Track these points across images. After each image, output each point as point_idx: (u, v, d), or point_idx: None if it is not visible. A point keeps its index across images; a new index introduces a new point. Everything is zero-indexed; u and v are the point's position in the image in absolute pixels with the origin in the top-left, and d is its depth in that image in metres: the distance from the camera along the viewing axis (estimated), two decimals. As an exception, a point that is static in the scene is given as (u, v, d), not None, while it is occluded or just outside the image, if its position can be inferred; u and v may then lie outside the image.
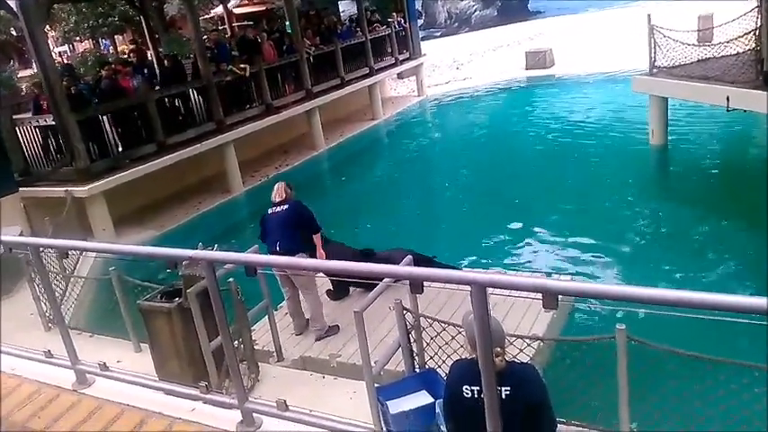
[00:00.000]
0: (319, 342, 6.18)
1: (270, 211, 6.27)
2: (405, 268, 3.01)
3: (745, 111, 10.24)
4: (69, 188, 10.43)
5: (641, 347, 3.64)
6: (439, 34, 38.79)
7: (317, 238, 6.30)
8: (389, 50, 19.95)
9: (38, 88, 11.45)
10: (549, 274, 7.62)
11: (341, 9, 24.99)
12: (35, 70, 14.61)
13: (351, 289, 7.03)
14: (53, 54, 13.73)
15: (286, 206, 6.20)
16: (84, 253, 8.37)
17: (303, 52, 15.75)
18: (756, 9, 10.17)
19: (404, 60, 20.69)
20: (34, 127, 11.01)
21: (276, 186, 6.40)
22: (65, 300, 7.41)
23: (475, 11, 41.64)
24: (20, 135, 11.05)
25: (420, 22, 29.76)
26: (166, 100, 12.42)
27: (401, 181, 14.19)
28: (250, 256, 3.78)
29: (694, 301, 2.19)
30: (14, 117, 11.47)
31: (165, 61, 13.89)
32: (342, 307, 6.78)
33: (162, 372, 5.10)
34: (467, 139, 16.48)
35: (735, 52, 10.82)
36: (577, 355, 4.39)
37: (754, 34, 10.19)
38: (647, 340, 3.57)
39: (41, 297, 6.84)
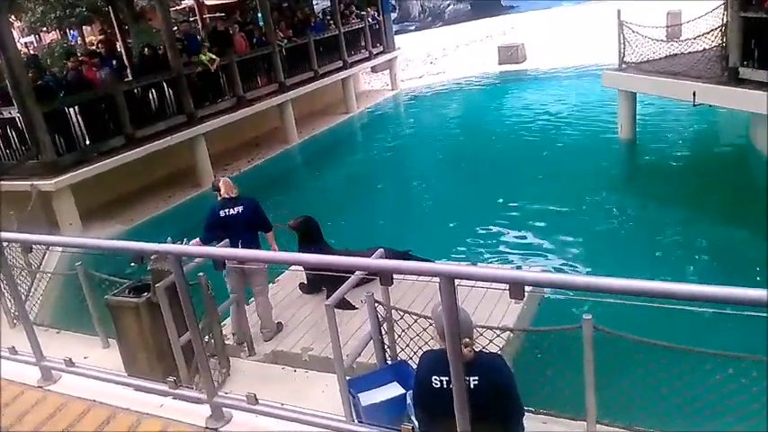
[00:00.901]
0: (291, 336, 6.15)
1: (221, 213, 5.93)
2: (374, 261, 3.02)
3: (710, 106, 10.48)
4: (35, 182, 10.19)
5: (610, 337, 3.71)
6: (413, 28, 38.78)
7: (270, 237, 6.20)
8: (363, 44, 19.91)
9: (1, 79, 11.15)
10: (518, 266, 7.71)
11: (314, 1, 24.82)
12: (-1, 61, 14.22)
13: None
14: (18, 45, 13.36)
15: (241, 206, 5.96)
16: (50, 248, 8.19)
17: (276, 44, 15.62)
18: (722, 6, 10.38)
19: (378, 54, 20.67)
20: (-2, 119, 10.74)
21: (223, 182, 6.09)
22: (30, 295, 7.26)
23: (448, 5, 41.74)
24: (-17, 127, 10.78)
25: (394, 15, 29.72)
26: (136, 91, 12.20)
27: (374, 175, 14.20)
28: (218, 250, 3.75)
29: (658, 290, 2.23)
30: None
31: (141, 51, 13.57)
32: (315, 300, 6.76)
33: (131, 368, 5.03)
34: (440, 133, 16.55)
35: (702, 48, 11.04)
36: (546, 345, 4.44)
37: (721, 31, 10.40)
38: (614, 330, 3.63)
39: (5, 293, 6.68)
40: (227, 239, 5.27)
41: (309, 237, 6.86)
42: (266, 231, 6.21)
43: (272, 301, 6.35)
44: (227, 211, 5.95)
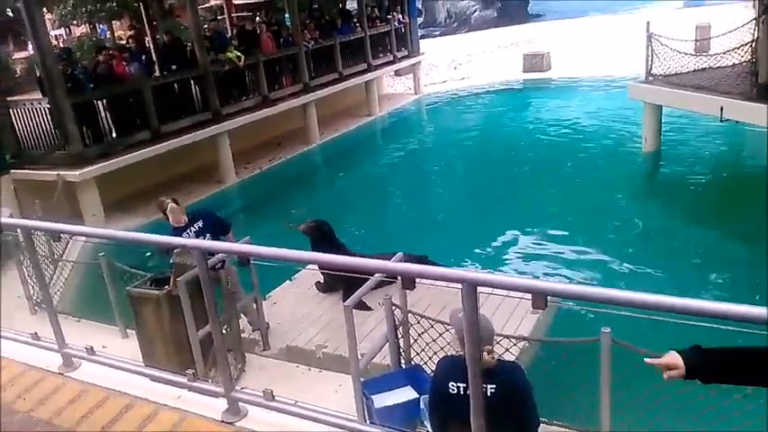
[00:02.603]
0: (305, 332, 6.19)
1: (186, 234, 5.60)
2: (398, 264, 3.04)
3: (737, 122, 10.34)
4: (61, 172, 10.38)
5: (626, 350, 3.68)
6: (438, 33, 38.77)
7: (230, 238, 5.97)
8: (388, 47, 19.95)
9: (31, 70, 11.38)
10: (536, 276, 7.68)
11: (341, 4, 24.94)
12: (31, 52, 14.51)
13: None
14: (50, 37, 13.61)
15: (200, 222, 5.75)
16: (73, 237, 8.33)
17: (302, 45, 15.73)
18: (754, 21, 10.26)
19: (402, 58, 20.70)
20: (28, 109, 10.93)
21: (170, 209, 5.71)
22: (53, 283, 7.38)
23: (475, 11, 41.66)
24: (13, 117, 10.98)
25: (420, 20, 29.74)
26: (163, 87, 12.35)
27: (393, 178, 14.22)
28: (242, 247, 3.79)
29: (679, 306, 2.23)
30: (8, 99, 11.38)
31: (166, 39, 13.70)
32: (330, 299, 6.80)
33: (148, 358, 5.10)
34: (461, 139, 16.51)
35: (731, 63, 10.91)
36: (562, 355, 4.42)
37: (751, 46, 10.28)
38: (633, 344, 3.61)
39: (29, 280, 6.81)
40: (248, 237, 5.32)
41: (321, 242, 6.86)
42: (225, 234, 5.97)
43: (288, 298, 6.39)
44: (188, 232, 5.69)
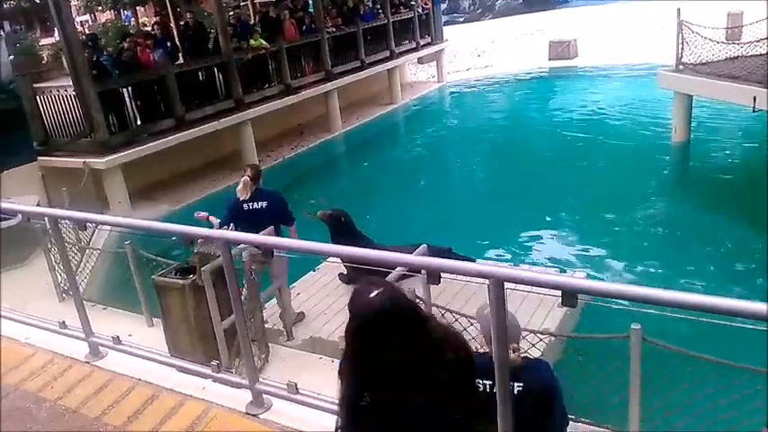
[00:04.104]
0: (328, 323, 6.19)
1: (245, 206, 5.91)
2: (424, 258, 3.00)
3: (770, 112, 10.05)
4: (87, 159, 10.49)
5: (656, 348, 3.61)
6: (462, 20, 38.35)
7: (293, 230, 6.09)
8: (411, 34, 19.78)
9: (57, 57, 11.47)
10: (562, 269, 7.57)
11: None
12: (57, 38, 14.63)
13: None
14: (75, 23, 13.69)
15: (265, 202, 5.89)
16: (99, 225, 8.41)
17: (324, 32, 15.65)
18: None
19: (425, 45, 20.51)
20: (55, 96, 11.04)
21: (242, 182, 5.97)
22: (79, 271, 7.47)
23: (499, -3, 41.13)
24: (40, 104, 11.11)
25: (443, 6, 29.42)
26: (187, 75, 12.39)
27: (416, 167, 14.12)
28: (266, 239, 3.77)
29: (709, 305, 2.16)
30: (35, 85, 11.50)
31: (191, 23, 13.70)
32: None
33: (173, 347, 5.13)
34: (485, 128, 16.34)
35: (764, 52, 10.60)
36: (588, 352, 4.35)
37: (785, 34, 9.98)
38: (663, 342, 3.53)
39: (57, 267, 6.89)
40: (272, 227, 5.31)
41: (341, 232, 6.82)
42: (290, 225, 6.10)
43: (311, 289, 6.39)
44: (250, 205, 5.90)
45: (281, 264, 5.85)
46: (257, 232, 5.46)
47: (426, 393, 1.79)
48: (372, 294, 1.82)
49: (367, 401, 1.83)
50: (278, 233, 5.86)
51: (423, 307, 4.42)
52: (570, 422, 3.15)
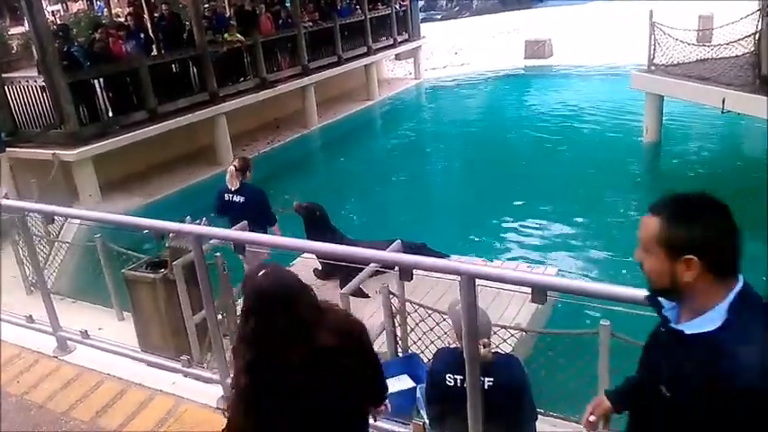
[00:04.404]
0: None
1: (225, 196, 6.04)
2: (396, 255, 3.01)
3: (739, 114, 10.29)
4: (57, 151, 10.28)
5: (623, 343, 3.67)
6: (439, 17, 38.38)
7: (276, 229, 6.12)
8: (389, 31, 19.77)
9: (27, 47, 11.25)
10: (534, 265, 7.66)
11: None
12: (26, 28, 14.30)
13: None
14: (46, 13, 13.39)
15: (243, 197, 5.98)
16: (68, 219, 8.28)
17: (301, 27, 15.56)
18: (758, 12, 10.17)
19: (402, 42, 20.52)
20: (24, 86, 10.81)
21: (229, 171, 6.11)
22: (48, 264, 7.34)
23: (477, -5, 41.27)
24: (9, 94, 10.86)
25: (421, 3, 29.42)
26: (160, 67, 12.22)
27: (391, 164, 14.14)
28: (239, 234, 3.75)
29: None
30: (3, 75, 11.25)
31: (165, 14, 13.52)
32: (327, 286, 6.77)
33: (144, 342, 5.08)
34: (461, 126, 16.42)
35: (733, 54, 10.83)
36: (559, 347, 4.41)
37: (754, 38, 10.19)
38: (631, 338, 3.59)
39: (25, 260, 6.77)
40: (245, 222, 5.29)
41: (316, 225, 6.82)
42: (271, 224, 6.13)
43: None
44: (231, 197, 6.00)
45: (258, 260, 5.82)
46: (233, 225, 5.54)
47: (317, 377, 1.79)
48: (259, 275, 1.85)
49: (247, 383, 1.82)
50: (262, 231, 5.86)
51: (396, 302, 4.46)
52: (539, 416, 3.20)
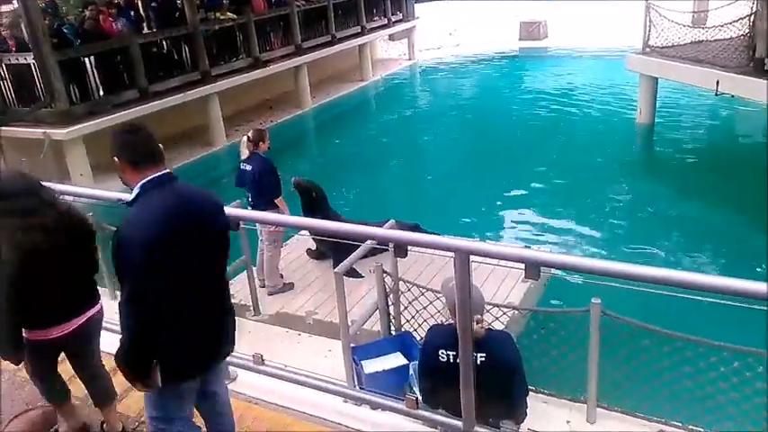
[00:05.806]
0: (295, 298, 6.19)
1: (241, 166, 6.21)
2: (391, 231, 3.01)
3: (732, 96, 10.30)
4: (48, 130, 10.19)
5: (615, 321, 3.70)
6: (433, -3, 38.04)
7: (279, 203, 6.12)
8: (383, 11, 19.60)
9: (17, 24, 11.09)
10: (527, 244, 7.70)
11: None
12: (15, 5, 14.09)
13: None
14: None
15: (251, 166, 6.06)
16: (60, 196, 8.21)
17: (294, 5, 15.40)
18: (753, -6, 10.12)
19: (396, 22, 20.38)
20: (13, 65, 10.67)
21: (242, 141, 6.30)
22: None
23: (472, -24, 40.85)
24: (-2, 72, 10.74)
25: (415, -17, 29.13)
26: (151, 45, 12.08)
27: (385, 145, 14.09)
28: (232, 211, 3.72)
29: (674, 279, 2.23)
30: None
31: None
32: (321, 266, 6.79)
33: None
34: (454, 107, 16.39)
35: (728, 36, 10.81)
36: (551, 325, 4.44)
37: (749, 20, 10.16)
38: (623, 316, 3.62)
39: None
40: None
41: (313, 204, 6.79)
42: (275, 197, 6.15)
43: (280, 265, 6.39)
44: (243, 165, 6.15)
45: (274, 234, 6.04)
46: (250, 192, 5.96)
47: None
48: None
49: None
50: (262, 201, 5.88)
51: (389, 281, 4.47)
52: (530, 392, 3.23)
